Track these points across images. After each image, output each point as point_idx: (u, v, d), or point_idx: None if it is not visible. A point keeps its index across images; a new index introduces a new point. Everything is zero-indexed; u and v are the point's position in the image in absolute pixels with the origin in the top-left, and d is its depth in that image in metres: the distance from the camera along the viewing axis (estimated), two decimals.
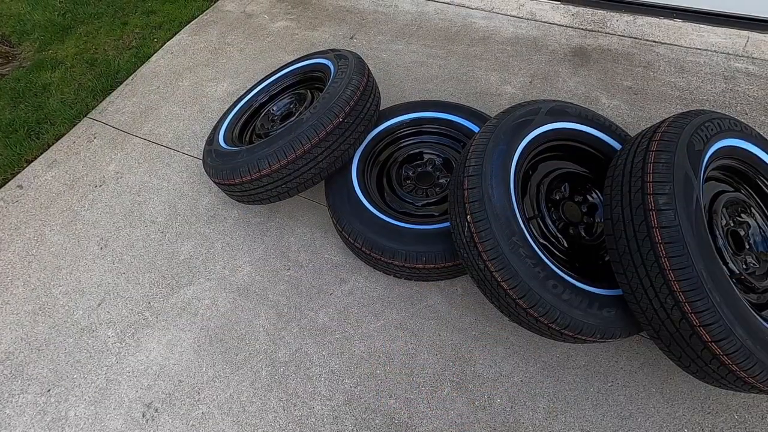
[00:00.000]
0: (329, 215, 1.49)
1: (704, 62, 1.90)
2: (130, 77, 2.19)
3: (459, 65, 2.01)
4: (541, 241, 1.19)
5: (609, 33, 2.09)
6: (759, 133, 1.19)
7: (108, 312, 1.43)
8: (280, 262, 1.48)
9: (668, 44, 2.00)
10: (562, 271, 1.06)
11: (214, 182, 1.44)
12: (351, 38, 2.18)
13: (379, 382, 1.23)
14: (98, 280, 1.51)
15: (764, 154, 1.16)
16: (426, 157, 1.54)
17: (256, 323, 1.36)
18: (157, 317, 1.41)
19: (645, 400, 1.15)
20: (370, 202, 1.35)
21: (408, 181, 1.50)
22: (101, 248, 1.59)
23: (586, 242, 1.23)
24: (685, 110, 1.92)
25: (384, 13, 2.32)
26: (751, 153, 1.15)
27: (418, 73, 2.00)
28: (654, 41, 2.02)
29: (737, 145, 1.13)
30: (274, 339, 1.32)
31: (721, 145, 1.10)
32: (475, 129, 1.52)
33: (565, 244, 1.21)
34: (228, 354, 1.31)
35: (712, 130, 1.08)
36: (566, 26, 2.14)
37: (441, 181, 1.49)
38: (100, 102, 2.09)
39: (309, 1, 2.48)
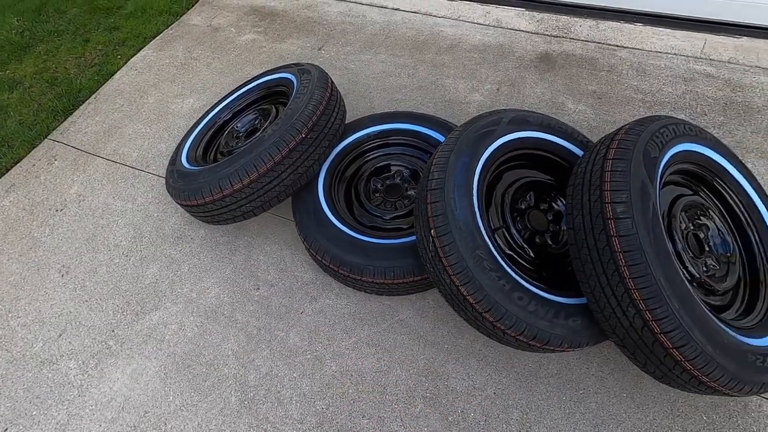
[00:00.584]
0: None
1: (665, 65, 1.94)
2: (93, 96, 2.13)
3: (427, 74, 2.02)
4: (507, 251, 1.19)
5: (573, 38, 2.12)
6: (713, 137, 1.21)
7: (69, 342, 1.38)
8: (249, 282, 1.44)
9: (630, 48, 2.04)
10: (528, 281, 1.06)
11: (177, 203, 1.41)
12: (319, 50, 2.17)
13: (351, 402, 1.20)
14: (59, 309, 1.45)
15: (719, 156, 1.18)
16: (394, 169, 1.54)
17: (225, 347, 1.32)
18: (121, 346, 1.35)
19: (616, 406, 1.15)
20: (337, 218, 1.33)
21: (376, 195, 1.49)
22: (62, 276, 1.53)
23: (553, 250, 1.23)
24: (647, 113, 1.97)
25: (352, 24, 2.31)
26: (707, 156, 1.17)
27: (386, 83, 1.99)
28: (616, 45, 2.06)
29: (693, 149, 1.15)
30: (243, 363, 1.29)
31: (677, 150, 1.12)
32: (442, 139, 1.52)
33: (532, 254, 1.21)
34: (195, 381, 1.27)
35: (667, 136, 1.10)
36: (532, 33, 2.17)
37: (409, 192, 1.48)
38: (62, 122, 2.03)
39: (277, 13, 2.46)
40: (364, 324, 1.33)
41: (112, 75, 2.21)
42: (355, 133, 1.54)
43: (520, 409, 1.16)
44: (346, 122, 1.56)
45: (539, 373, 1.21)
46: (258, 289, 1.43)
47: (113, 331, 1.39)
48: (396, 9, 2.40)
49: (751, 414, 1.12)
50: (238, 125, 1.58)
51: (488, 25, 2.23)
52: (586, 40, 2.10)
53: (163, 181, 1.75)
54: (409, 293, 1.34)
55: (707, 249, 1.14)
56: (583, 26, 2.16)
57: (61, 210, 1.71)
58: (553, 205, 1.29)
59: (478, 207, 1.10)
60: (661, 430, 1.11)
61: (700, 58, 1.95)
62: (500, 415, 1.16)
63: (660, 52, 2.00)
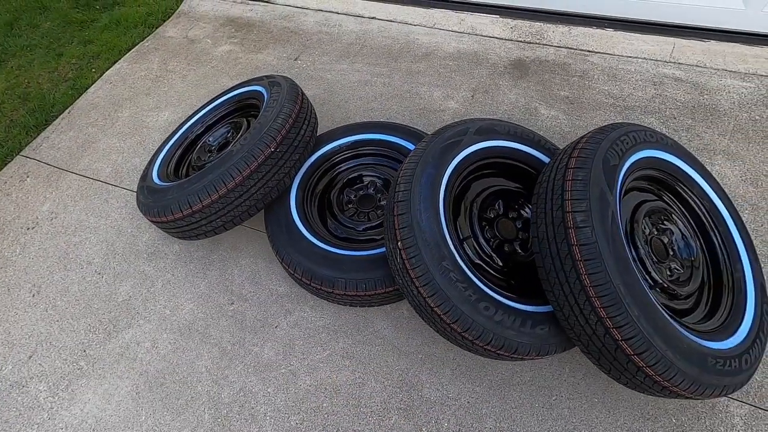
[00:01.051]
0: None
1: (635, 69, 1.98)
2: (67, 110, 2.10)
3: (403, 82, 2.03)
4: (476, 261, 1.20)
5: (546, 44, 2.15)
6: (675, 142, 1.23)
7: (39, 364, 1.35)
8: (223, 297, 1.43)
9: (601, 53, 2.07)
10: (495, 291, 1.06)
11: (148, 220, 1.39)
12: (295, 60, 2.17)
13: (326, 416, 1.20)
14: (29, 330, 1.43)
15: (680, 161, 1.20)
16: (366, 179, 1.54)
17: (199, 364, 1.31)
18: (93, 366, 1.34)
19: (588, 412, 1.16)
20: (309, 230, 1.33)
21: (350, 206, 1.49)
22: (33, 295, 1.50)
23: (521, 258, 1.25)
24: (618, 117, 1.99)
25: (328, 33, 2.32)
26: (669, 162, 1.20)
27: (362, 93, 2.00)
28: (588, 51, 2.09)
29: (654, 155, 1.17)
30: (217, 379, 1.28)
31: (638, 158, 1.13)
32: (412, 148, 1.53)
33: (501, 263, 1.22)
34: (169, 399, 1.26)
35: (627, 143, 1.11)
36: (506, 39, 2.19)
37: (382, 203, 1.49)
38: (34, 138, 2.01)
39: (253, 23, 2.46)
40: (338, 336, 1.33)
41: (86, 89, 2.19)
42: (327, 144, 1.55)
43: (494, 418, 1.17)
44: (319, 133, 1.56)
45: (512, 381, 1.22)
46: (232, 303, 1.42)
47: (85, 351, 1.37)
48: (372, 18, 2.41)
49: (719, 415, 1.14)
50: (210, 139, 1.57)
51: (463, 33, 2.26)
52: (558, 46, 2.13)
53: (137, 196, 1.74)
54: (382, 304, 1.34)
55: (671, 253, 1.16)
56: (556, 32, 2.19)
57: (33, 228, 1.69)
58: (522, 213, 1.31)
59: (445, 218, 1.11)
60: None
61: (669, 62, 1.98)
62: (474, 425, 1.16)
63: (630, 57, 2.03)
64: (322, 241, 1.31)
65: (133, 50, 2.35)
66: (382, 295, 1.25)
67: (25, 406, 1.28)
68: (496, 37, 2.21)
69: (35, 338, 1.41)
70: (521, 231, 1.29)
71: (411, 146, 1.52)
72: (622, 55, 2.05)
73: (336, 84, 2.05)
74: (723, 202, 1.23)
